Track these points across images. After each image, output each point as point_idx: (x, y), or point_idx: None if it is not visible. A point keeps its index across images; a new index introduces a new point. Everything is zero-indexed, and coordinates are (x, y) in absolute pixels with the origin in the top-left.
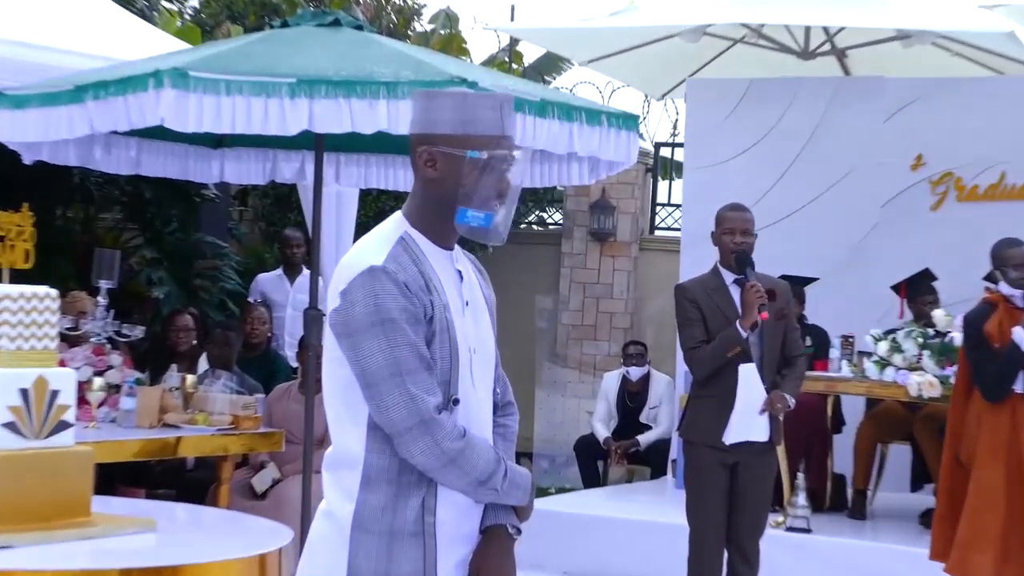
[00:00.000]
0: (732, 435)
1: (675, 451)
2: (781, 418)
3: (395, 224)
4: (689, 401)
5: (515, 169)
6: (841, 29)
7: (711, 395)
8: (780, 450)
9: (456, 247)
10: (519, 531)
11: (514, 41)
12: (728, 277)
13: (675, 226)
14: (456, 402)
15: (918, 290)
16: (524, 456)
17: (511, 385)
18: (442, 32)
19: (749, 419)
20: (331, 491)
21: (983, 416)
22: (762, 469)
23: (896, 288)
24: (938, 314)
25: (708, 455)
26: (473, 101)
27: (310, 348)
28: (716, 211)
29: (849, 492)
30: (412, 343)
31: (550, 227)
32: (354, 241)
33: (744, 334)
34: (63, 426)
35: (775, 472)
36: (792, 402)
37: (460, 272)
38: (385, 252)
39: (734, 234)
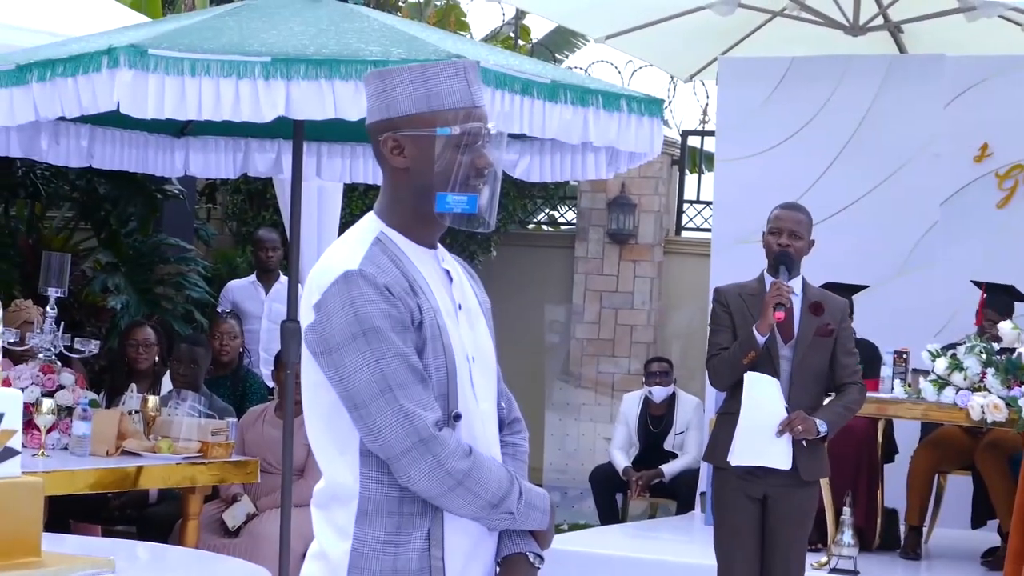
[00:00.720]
0: (737, 456)
1: (704, 482)
2: (805, 443)
3: (368, 224)
4: (716, 420)
5: (492, 144)
6: (895, 0)
7: (734, 411)
8: (824, 483)
9: (439, 246)
10: (542, 559)
11: (520, 14)
12: (770, 284)
13: (705, 226)
14: (458, 417)
15: (990, 304)
16: None
17: (517, 405)
18: (438, 3)
19: (760, 440)
20: (323, 530)
21: None
22: (792, 507)
23: (978, 284)
24: (1005, 327)
25: (732, 482)
26: (434, 72)
27: (288, 365)
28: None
29: (902, 529)
30: (401, 353)
31: (562, 227)
32: None
33: (759, 338)
34: (8, 454)
35: (811, 512)
36: (823, 429)
37: (448, 272)
38: (360, 254)
39: (780, 234)
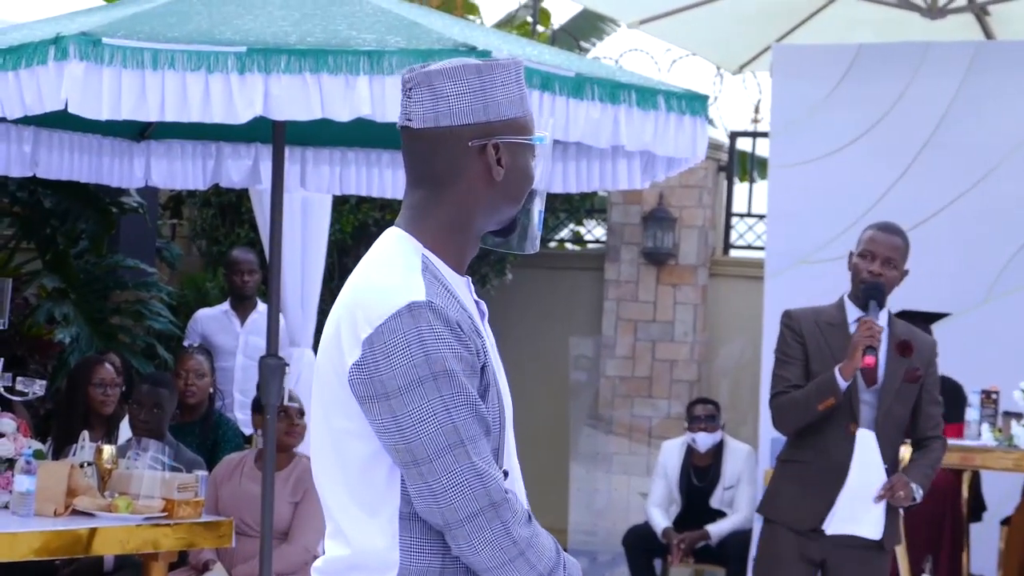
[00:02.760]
0: (836, 524)
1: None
2: (901, 512)
3: (405, 244)
4: (776, 467)
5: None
6: None
7: (800, 460)
8: (900, 551)
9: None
10: None
11: None
12: (853, 313)
13: (757, 244)
14: (505, 476)
15: None
16: None
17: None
18: None
19: (860, 506)
20: None
21: None
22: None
23: None
24: None
25: (789, 542)
26: (520, 72)
27: (268, 408)
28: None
29: None
30: (472, 402)
31: (589, 246)
32: (328, 266)
33: (842, 383)
34: None
35: None
36: (919, 495)
37: (478, 304)
38: (420, 282)
39: (873, 260)
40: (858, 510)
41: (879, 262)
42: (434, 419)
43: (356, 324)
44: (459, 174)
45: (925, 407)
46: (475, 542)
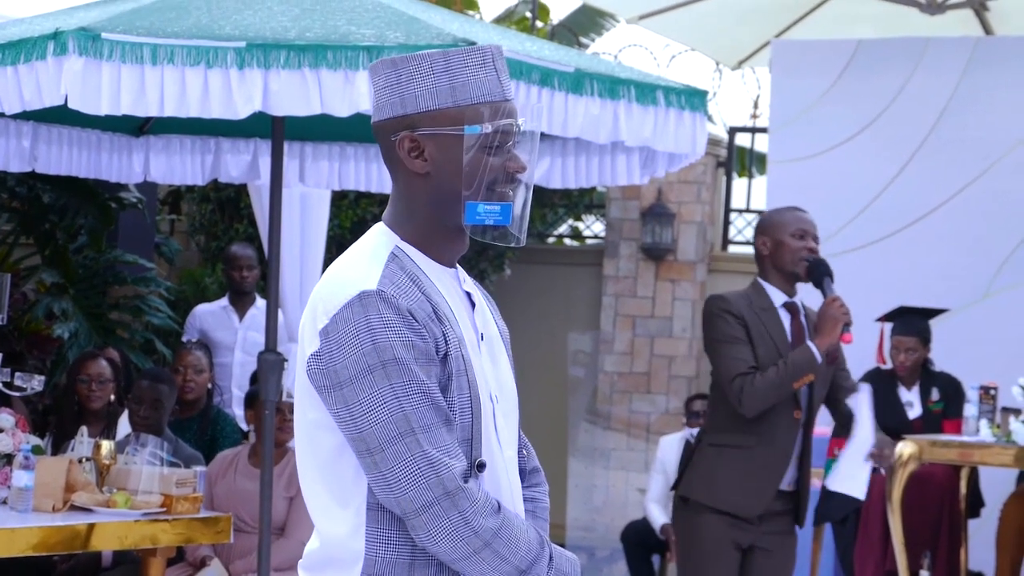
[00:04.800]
0: (840, 481)
1: None
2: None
3: (380, 237)
4: (699, 449)
5: (525, 143)
6: None
7: (743, 445)
8: (898, 542)
9: (458, 265)
10: None
11: None
12: (778, 298)
13: None
14: (482, 467)
15: None
16: None
17: (535, 451)
18: None
19: (856, 466)
20: None
21: None
22: (784, 558)
23: None
24: None
25: (723, 530)
26: (458, 60)
27: (266, 404)
28: (772, 216)
29: None
30: (425, 389)
31: (588, 241)
32: (327, 261)
33: (819, 359)
34: None
35: (794, 563)
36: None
37: (469, 295)
38: (376, 272)
39: (805, 238)
40: (856, 469)
41: (810, 238)
42: (384, 407)
43: (316, 316)
44: (397, 168)
45: (840, 371)
46: (433, 532)
